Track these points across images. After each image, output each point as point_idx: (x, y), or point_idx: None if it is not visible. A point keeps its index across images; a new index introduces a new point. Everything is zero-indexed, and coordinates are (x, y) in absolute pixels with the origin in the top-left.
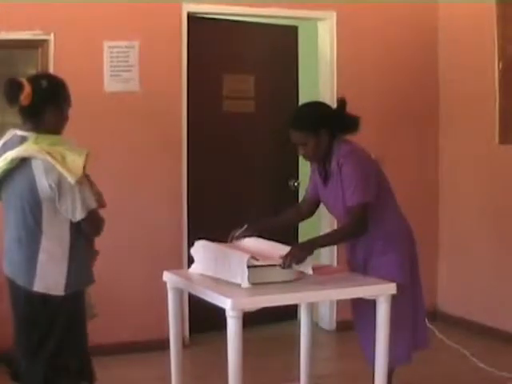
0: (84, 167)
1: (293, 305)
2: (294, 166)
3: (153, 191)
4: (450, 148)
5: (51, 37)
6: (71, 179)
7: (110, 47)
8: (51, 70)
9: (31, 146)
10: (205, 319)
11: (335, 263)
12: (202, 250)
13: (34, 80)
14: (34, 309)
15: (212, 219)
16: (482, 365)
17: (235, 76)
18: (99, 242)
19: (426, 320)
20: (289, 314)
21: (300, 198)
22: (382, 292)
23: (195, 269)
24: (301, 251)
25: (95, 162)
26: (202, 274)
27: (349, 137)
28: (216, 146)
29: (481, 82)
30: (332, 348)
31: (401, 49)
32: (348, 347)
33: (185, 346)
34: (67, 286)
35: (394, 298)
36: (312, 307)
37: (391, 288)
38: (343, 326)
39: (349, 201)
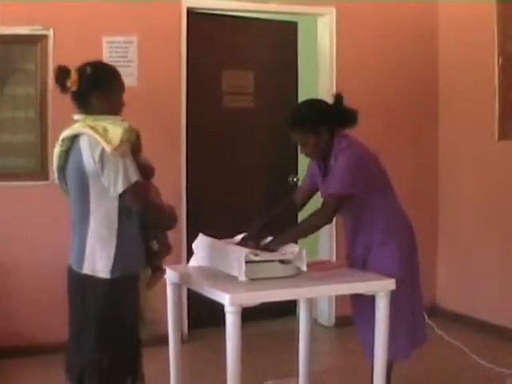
0: (126, 141)
1: (292, 300)
2: (294, 161)
3: None
4: (449, 143)
5: (50, 32)
6: (108, 148)
7: (108, 42)
8: (50, 66)
9: (77, 124)
10: (203, 315)
11: (334, 258)
12: (203, 243)
13: (81, 67)
14: (82, 292)
15: (211, 214)
16: (481, 361)
17: (234, 71)
18: None
19: (425, 315)
20: (288, 309)
21: None
22: (381, 288)
23: (194, 262)
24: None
25: None
26: (200, 267)
27: (348, 131)
28: (215, 141)
29: (480, 78)
30: (331, 343)
31: (400, 44)
32: (347, 343)
33: (183, 341)
34: (113, 269)
35: (393, 292)
36: (311, 303)
37: (390, 284)
38: (342, 322)
39: (327, 189)
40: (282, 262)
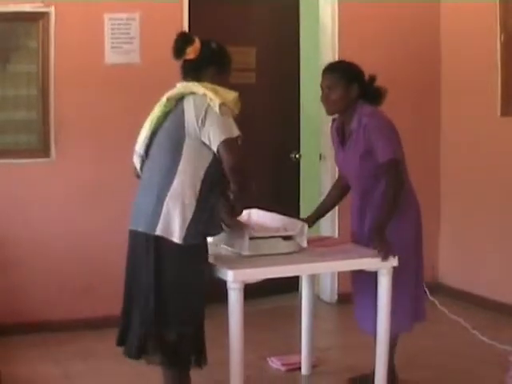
0: (234, 107)
1: (294, 277)
2: (296, 138)
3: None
4: (451, 121)
5: (52, 9)
6: (217, 101)
7: (110, 19)
8: (52, 43)
9: (187, 83)
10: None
11: (336, 234)
12: None
13: (204, 40)
14: (155, 255)
15: None
16: (483, 338)
17: (237, 48)
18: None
19: (427, 291)
20: (290, 286)
21: (302, 171)
22: (383, 265)
23: None
24: (384, 243)
25: (97, 134)
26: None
27: None
28: None
29: (483, 55)
30: (333, 320)
31: (403, 22)
32: (349, 320)
33: None
34: (187, 235)
35: (397, 267)
36: (313, 279)
37: (393, 260)
38: (345, 299)
39: (381, 157)
40: (284, 238)
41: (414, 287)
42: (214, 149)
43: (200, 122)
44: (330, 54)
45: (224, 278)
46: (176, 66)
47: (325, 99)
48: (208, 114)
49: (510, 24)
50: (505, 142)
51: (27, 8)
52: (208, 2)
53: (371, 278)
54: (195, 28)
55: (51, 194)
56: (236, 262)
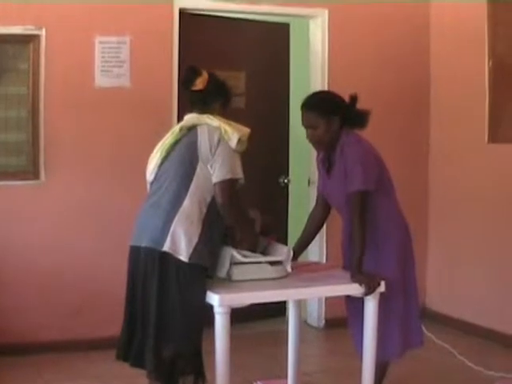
0: (245, 141)
1: (281, 302)
2: (285, 162)
3: (143, 187)
4: (440, 146)
5: (43, 32)
6: (236, 135)
7: (101, 42)
8: (42, 65)
9: (200, 115)
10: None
11: (324, 260)
12: None
13: (210, 72)
14: (160, 271)
15: None
16: (470, 364)
17: (226, 72)
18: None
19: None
20: (277, 310)
21: (290, 195)
22: None
23: None
24: (365, 278)
25: (87, 157)
26: None
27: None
28: None
29: (471, 81)
30: (320, 345)
31: (392, 46)
32: (337, 344)
33: None
34: (194, 254)
35: (384, 293)
36: (300, 304)
37: (379, 287)
38: (332, 324)
39: (350, 186)
40: (271, 263)
41: (403, 313)
42: (214, 181)
43: (213, 150)
44: (319, 78)
45: (211, 302)
46: (166, 89)
47: (310, 138)
48: (220, 146)
49: (498, 50)
50: (492, 168)
51: (18, 30)
52: (198, 27)
53: (362, 303)
54: (185, 52)
55: (40, 216)
56: (223, 286)
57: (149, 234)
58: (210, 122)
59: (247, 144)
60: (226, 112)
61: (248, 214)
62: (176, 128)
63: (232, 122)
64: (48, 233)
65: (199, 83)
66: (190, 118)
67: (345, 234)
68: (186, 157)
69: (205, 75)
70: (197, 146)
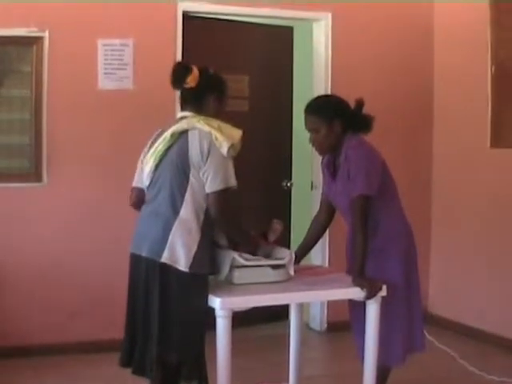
0: (238, 145)
1: (283, 305)
2: (288, 165)
3: None
4: (443, 151)
5: (46, 34)
6: (227, 143)
7: (104, 45)
8: (45, 68)
9: (191, 119)
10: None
11: (327, 264)
12: None
13: (202, 67)
14: (161, 281)
15: None
16: (471, 368)
17: (230, 75)
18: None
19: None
20: (279, 314)
21: (293, 199)
22: None
23: None
24: (366, 282)
25: (89, 160)
26: None
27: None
28: None
29: (474, 87)
30: (322, 349)
31: (396, 50)
32: (338, 348)
33: None
34: (193, 263)
35: (387, 297)
36: (302, 308)
37: (381, 290)
38: (334, 327)
39: (352, 191)
40: (273, 267)
41: (406, 317)
42: (207, 191)
43: (204, 157)
44: (323, 82)
45: (212, 305)
46: (169, 92)
47: (313, 142)
48: (211, 153)
49: (501, 56)
50: (494, 173)
51: (21, 32)
52: (201, 29)
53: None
54: (188, 55)
55: (43, 218)
56: (224, 289)
57: (148, 244)
58: (201, 126)
59: (242, 144)
60: (223, 105)
61: (241, 221)
62: (167, 134)
63: (224, 126)
64: (50, 235)
65: (190, 81)
66: (180, 122)
67: (349, 238)
68: (178, 165)
69: (195, 71)
70: (188, 154)
